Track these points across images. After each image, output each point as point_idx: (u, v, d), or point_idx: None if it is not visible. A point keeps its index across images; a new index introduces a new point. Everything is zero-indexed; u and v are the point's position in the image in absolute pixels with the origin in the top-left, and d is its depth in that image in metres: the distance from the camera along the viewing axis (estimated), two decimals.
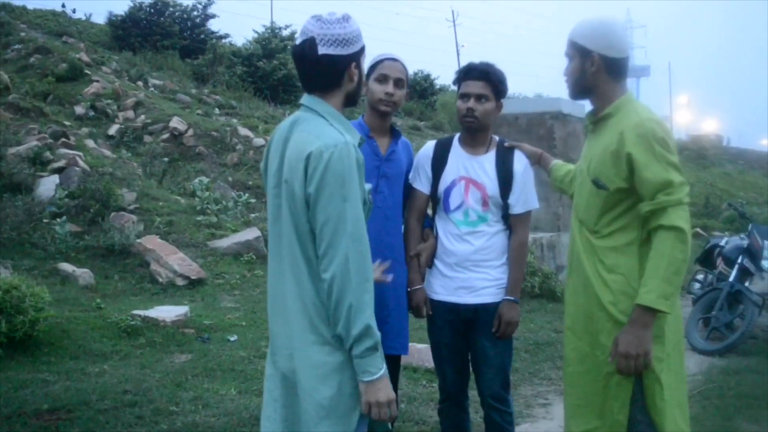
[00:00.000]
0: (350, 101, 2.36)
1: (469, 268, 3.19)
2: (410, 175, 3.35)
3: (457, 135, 3.33)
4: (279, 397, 2.29)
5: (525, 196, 3.22)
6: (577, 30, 2.73)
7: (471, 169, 3.22)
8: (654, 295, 2.44)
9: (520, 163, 3.24)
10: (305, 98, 2.32)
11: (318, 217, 2.12)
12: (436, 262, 3.27)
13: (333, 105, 2.29)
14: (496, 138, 3.32)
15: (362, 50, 2.33)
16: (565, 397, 2.84)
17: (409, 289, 3.28)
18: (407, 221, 3.35)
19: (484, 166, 3.22)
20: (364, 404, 2.14)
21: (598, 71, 2.68)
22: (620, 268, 2.60)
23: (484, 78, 3.16)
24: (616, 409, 2.61)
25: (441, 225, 3.29)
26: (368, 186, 2.28)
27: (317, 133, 2.18)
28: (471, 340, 3.25)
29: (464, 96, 3.19)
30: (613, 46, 2.67)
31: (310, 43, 2.23)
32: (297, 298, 2.20)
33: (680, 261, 2.45)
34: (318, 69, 2.25)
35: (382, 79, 3.15)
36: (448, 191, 3.23)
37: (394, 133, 3.27)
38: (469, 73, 3.20)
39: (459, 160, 3.25)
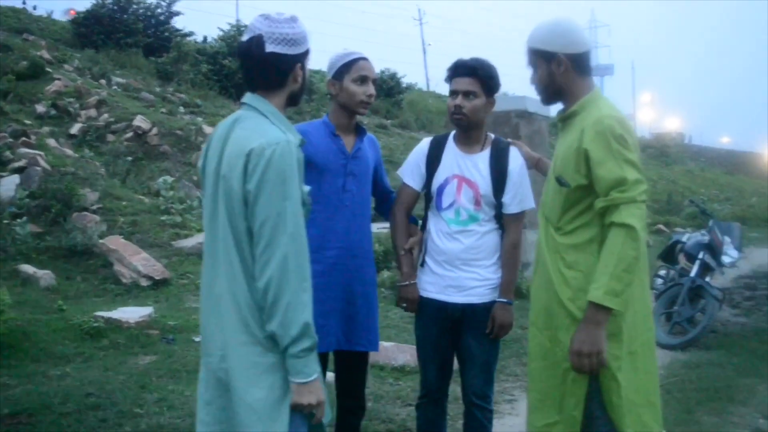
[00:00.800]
0: (293, 102, 2.36)
1: (459, 266, 3.18)
2: (401, 170, 3.35)
3: (453, 132, 3.31)
4: (212, 400, 2.25)
5: (520, 196, 3.20)
6: (535, 36, 2.72)
7: (465, 167, 3.20)
8: (602, 291, 2.44)
9: (515, 162, 3.21)
10: (247, 96, 2.31)
11: (257, 215, 2.10)
12: (427, 259, 3.26)
13: (275, 105, 2.28)
14: (492, 136, 3.30)
15: (308, 52, 2.32)
16: (528, 392, 2.86)
17: (406, 283, 3.28)
18: (395, 216, 3.34)
19: (477, 165, 3.20)
20: (292, 404, 2.12)
21: (566, 71, 2.68)
22: (580, 265, 2.61)
23: (472, 74, 3.14)
24: (572, 405, 2.62)
25: (433, 222, 3.27)
26: (307, 188, 2.26)
27: (260, 130, 2.17)
28: (458, 338, 3.25)
29: (453, 93, 3.18)
30: (574, 42, 2.68)
31: (257, 41, 2.22)
32: (231, 298, 2.18)
33: (631, 258, 2.45)
34: (264, 67, 2.25)
35: (363, 80, 3.12)
36: (441, 189, 3.21)
37: (359, 131, 3.26)
38: (457, 69, 3.18)
39: (453, 158, 3.23)
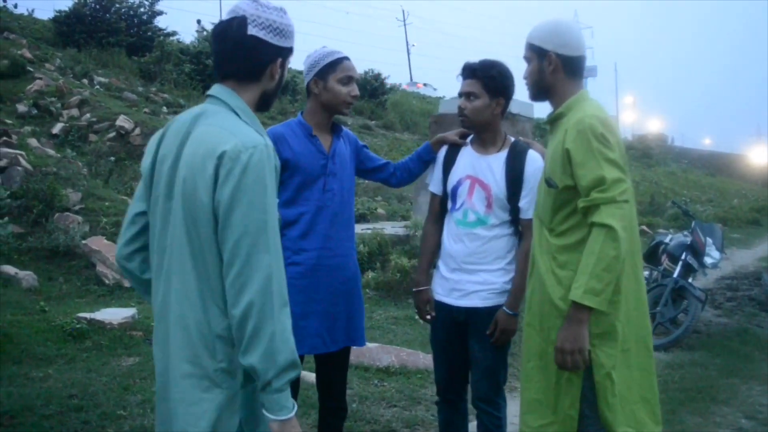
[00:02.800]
0: (264, 103, 2.10)
1: (463, 269, 3.19)
2: (428, 178, 3.44)
3: (472, 135, 3.33)
4: (158, 428, 2.03)
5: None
6: (534, 32, 2.76)
7: (479, 168, 3.20)
8: (581, 290, 2.46)
9: (532, 165, 3.15)
10: (215, 88, 2.03)
11: (233, 229, 1.80)
12: (439, 263, 3.31)
13: (246, 101, 2.01)
14: (512, 139, 3.29)
15: (291, 50, 2.08)
16: (522, 392, 2.87)
17: (415, 290, 3.39)
18: (424, 225, 3.46)
19: (492, 166, 3.18)
20: None
21: (555, 70, 2.71)
22: (572, 264, 2.61)
23: (472, 75, 3.17)
24: (567, 404, 2.65)
25: (446, 224, 3.30)
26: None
27: (232, 129, 1.88)
28: (465, 342, 3.27)
29: (459, 95, 3.23)
30: (568, 44, 2.71)
31: (239, 22, 1.97)
32: (180, 322, 1.90)
33: (610, 258, 2.45)
34: (241, 51, 1.98)
35: (348, 80, 3.13)
36: (454, 190, 3.23)
37: (335, 129, 3.25)
38: (462, 71, 3.23)
39: (468, 159, 3.25)
